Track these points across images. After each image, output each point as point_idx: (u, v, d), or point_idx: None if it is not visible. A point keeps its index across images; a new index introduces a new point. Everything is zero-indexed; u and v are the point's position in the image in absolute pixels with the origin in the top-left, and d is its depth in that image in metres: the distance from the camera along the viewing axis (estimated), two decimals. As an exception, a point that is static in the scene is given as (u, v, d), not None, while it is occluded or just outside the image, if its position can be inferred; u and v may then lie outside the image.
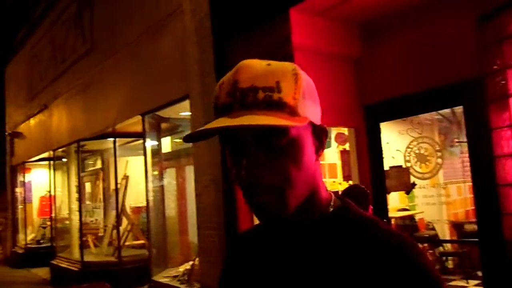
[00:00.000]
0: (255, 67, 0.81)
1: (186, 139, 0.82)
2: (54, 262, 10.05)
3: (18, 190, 13.92)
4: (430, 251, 5.87)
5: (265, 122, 0.75)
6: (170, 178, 7.74)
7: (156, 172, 7.47)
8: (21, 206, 13.70)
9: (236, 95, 0.79)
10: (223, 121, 0.77)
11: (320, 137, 0.87)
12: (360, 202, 3.24)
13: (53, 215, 11.62)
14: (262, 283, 0.89)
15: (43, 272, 10.53)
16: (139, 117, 7.22)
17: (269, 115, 0.76)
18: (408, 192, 5.21)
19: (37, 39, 11.82)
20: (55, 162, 11.35)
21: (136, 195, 9.36)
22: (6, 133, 14.22)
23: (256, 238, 0.99)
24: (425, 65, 4.19)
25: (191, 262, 6.65)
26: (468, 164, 3.90)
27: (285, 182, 0.79)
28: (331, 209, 0.87)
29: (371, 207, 3.81)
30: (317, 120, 0.86)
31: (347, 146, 5.17)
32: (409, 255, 0.77)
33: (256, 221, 0.92)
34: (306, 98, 0.82)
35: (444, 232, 5.82)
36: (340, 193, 4.02)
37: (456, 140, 5.53)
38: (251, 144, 0.79)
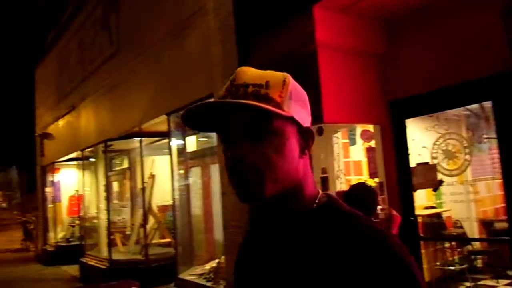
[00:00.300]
0: (251, 70, 0.95)
1: (184, 119, 0.95)
2: (83, 260, 10.25)
3: (48, 189, 14.22)
4: (458, 250, 5.77)
5: (251, 102, 0.87)
6: (195, 177, 7.80)
7: (181, 171, 7.54)
8: (51, 205, 13.99)
9: (232, 89, 0.92)
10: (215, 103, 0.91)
11: (306, 138, 0.95)
12: (366, 199, 3.21)
13: (81, 214, 11.87)
14: (258, 275, 0.99)
15: (72, 270, 10.75)
16: (165, 117, 7.31)
17: (256, 102, 0.88)
18: (435, 190, 5.14)
19: (66, 42, 12.08)
20: (83, 162, 11.56)
21: (162, 193, 9.47)
22: (36, 134, 14.56)
23: (257, 236, 1.08)
24: (452, 59, 4.13)
25: (217, 260, 6.69)
26: (497, 160, 3.82)
27: (264, 165, 0.89)
28: (315, 205, 0.95)
29: (379, 206, 3.77)
30: (304, 123, 0.95)
31: (372, 143, 5.13)
32: (385, 247, 0.83)
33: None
34: (292, 100, 0.93)
35: (473, 230, 5.71)
36: (343, 191, 4.05)
37: (485, 136, 5.41)
38: (239, 131, 0.90)
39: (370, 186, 3.58)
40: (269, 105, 0.87)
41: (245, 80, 0.92)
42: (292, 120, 0.92)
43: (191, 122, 0.96)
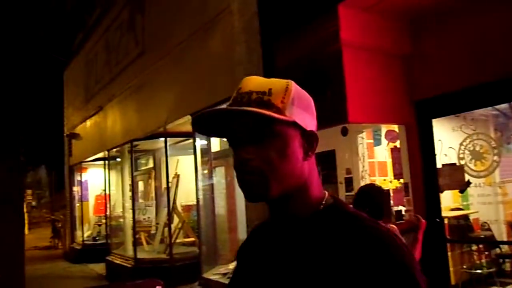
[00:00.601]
0: (256, 79, 1.01)
1: (194, 124, 1.00)
2: (109, 258, 10.40)
3: (76, 189, 14.48)
4: (486, 253, 5.65)
5: (252, 109, 0.92)
6: (219, 177, 7.84)
7: (205, 171, 7.60)
8: (78, 204, 14.25)
9: (237, 98, 0.98)
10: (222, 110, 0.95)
11: (310, 141, 0.99)
12: (377, 200, 3.17)
13: (107, 213, 12.04)
14: (262, 274, 1.01)
15: (99, 268, 10.92)
16: (189, 117, 7.37)
17: (258, 109, 0.92)
18: (462, 191, 5.05)
19: (93, 44, 12.31)
20: (109, 161, 11.75)
21: (187, 193, 9.55)
22: (65, 134, 14.86)
23: (262, 233, 1.12)
24: (479, 57, 4.05)
25: (240, 260, 6.70)
26: (526, 161, 3.73)
27: (268, 167, 0.94)
28: (322, 206, 0.99)
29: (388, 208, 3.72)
30: (308, 126, 0.99)
31: (397, 144, 5.07)
32: (388, 248, 0.87)
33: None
34: (295, 105, 0.97)
35: (501, 233, 5.58)
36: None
37: (514, 136, 5.30)
38: (243, 136, 0.96)
39: (380, 186, 3.52)
40: (270, 111, 0.92)
41: (250, 88, 0.97)
42: (294, 124, 0.96)
43: (200, 128, 1.01)
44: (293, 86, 1.00)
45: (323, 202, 1.00)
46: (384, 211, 3.22)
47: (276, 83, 0.99)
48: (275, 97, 0.95)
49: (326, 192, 1.04)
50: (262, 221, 1.17)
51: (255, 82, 0.99)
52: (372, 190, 3.31)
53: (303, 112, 0.99)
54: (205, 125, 1.00)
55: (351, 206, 1.02)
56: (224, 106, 0.99)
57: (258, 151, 0.94)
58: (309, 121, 1.00)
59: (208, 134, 1.05)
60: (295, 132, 0.97)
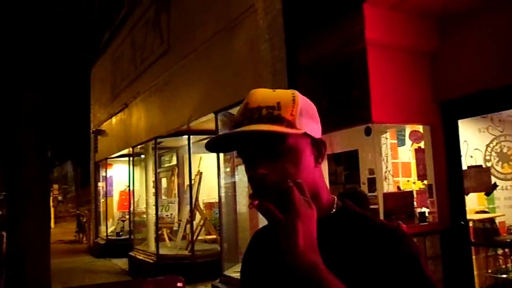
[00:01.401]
0: (261, 92, 1.02)
1: (207, 148, 1.02)
2: (131, 253, 10.55)
3: (101, 184, 14.73)
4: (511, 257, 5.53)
5: (265, 129, 0.94)
6: (241, 175, 7.86)
7: (228, 169, 7.64)
8: (103, 200, 14.49)
9: (246, 113, 0.99)
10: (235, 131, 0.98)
11: (319, 148, 1.02)
12: (359, 205, 3.10)
13: (131, 209, 12.20)
14: (271, 276, 1.04)
15: (122, 263, 11.09)
16: (212, 115, 7.42)
17: (270, 126, 0.95)
18: (488, 194, 4.95)
19: (119, 42, 12.49)
20: (134, 158, 11.91)
21: (209, 191, 9.62)
22: (91, 131, 15.13)
23: (269, 237, 1.10)
24: (507, 57, 3.96)
25: (261, 258, 6.71)
26: (556, 163, 3.63)
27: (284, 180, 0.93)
28: (333, 210, 1.03)
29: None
30: (316, 134, 1.02)
31: (422, 144, 5.00)
32: (398, 239, 0.92)
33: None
34: (303, 116, 0.99)
35: (529, 237, 5.45)
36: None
37: (543, 138, 5.16)
38: (257, 154, 0.98)
39: (362, 191, 3.44)
40: (282, 126, 0.95)
41: (258, 103, 0.98)
42: (304, 134, 0.99)
43: (213, 150, 1.04)
44: (299, 96, 1.02)
45: (334, 206, 1.04)
46: None
47: (283, 96, 1.00)
48: (285, 111, 0.97)
49: (335, 197, 1.08)
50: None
51: (262, 96, 1.00)
52: (355, 195, 3.23)
53: (310, 121, 1.01)
54: (218, 147, 1.03)
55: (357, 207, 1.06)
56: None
57: (273, 166, 0.96)
58: (316, 129, 1.03)
59: (223, 152, 1.09)
60: (306, 142, 1.00)
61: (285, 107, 0.97)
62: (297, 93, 1.03)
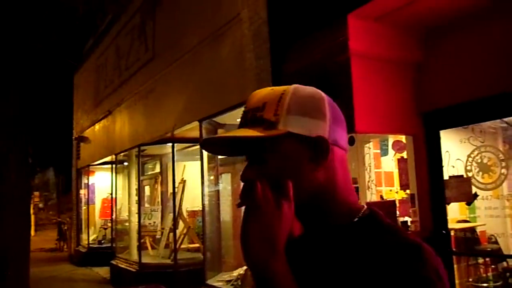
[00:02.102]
0: (258, 93, 0.99)
1: (202, 146, 0.99)
2: (113, 262, 10.42)
3: (82, 191, 14.56)
4: (492, 266, 5.60)
5: (238, 134, 0.92)
6: (225, 183, 7.85)
7: (212, 177, 7.62)
8: (85, 207, 14.31)
9: (243, 115, 0.97)
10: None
11: (316, 147, 0.92)
12: None
13: (113, 216, 12.08)
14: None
15: (103, 271, 10.95)
16: (197, 123, 7.40)
17: (247, 130, 0.92)
18: (469, 203, 5.02)
19: (103, 48, 12.42)
20: (117, 165, 11.81)
21: (192, 199, 9.57)
22: (73, 137, 14.97)
23: (299, 242, 1.05)
24: (489, 69, 4.04)
25: (245, 267, 6.69)
26: (535, 174, 3.70)
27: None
28: (356, 218, 0.94)
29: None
30: (311, 131, 0.92)
31: (404, 154, 5.06)
32: (416, 260, 0.82)
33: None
34: (292, 113, 0.92)
35: (509, 246, 5.53)
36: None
37: (522, 149, 5.26)
38: (246, 157, 0.97)
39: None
40: (259, 128, 0.90)
41: (250, 105, 0.97)
42: (291, 135, 0.90)
43: (210, 151, 1.05)
44: (291, 92, 0.94)
45: (360, 214, 0.95)
46: None
47: (272, 95, 0.95)
48: (268, 111, 0.92)
49: (364, 205, 0.98)
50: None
51: (256, 98, 0.97)
52: None
53: (303, 118, 0.92)
54: (212, 148, 1.03)
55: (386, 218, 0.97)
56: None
57: (260, 169, 0.91)
58: (313, 125, 0.92)
59: (218, 154, 1.09)
60: (295, 142, 0.91)
61: (269, 107, 0.92)
62: (289, 89, 0.95)
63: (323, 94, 0.97)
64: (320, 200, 0.93)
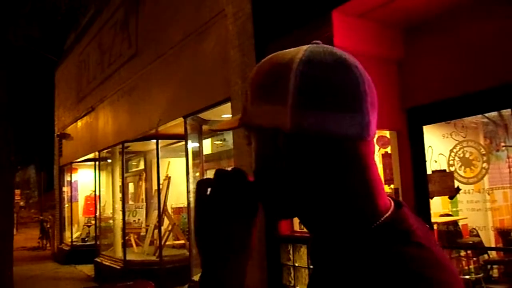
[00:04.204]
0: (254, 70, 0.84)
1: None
2: (98, 259, 10.36)
3: (65, 189, 14.40)
4: (474, 259, 5.70)
5: (221, 127, 0.91)
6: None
7: (197, 173, 7.60)
8: (68, 205, 14.18)
9: None
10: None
11: (271, 140, 0.73)
12: None
13: (97, 214, 11.99)
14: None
15: (87, 269, 10.87)
16: (181, 119, 7.37)
17: (234, 117, 0.84)
18: (451, 197, 5.09)
19: (85, 44, 12.27)
20: (100, 162, 11.71)
21: (177, 195, 9.55)
22: (55, 134, 14.78)
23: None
24: (470, 66, 4.10)
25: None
26: (515, 168, 3.78)
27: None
28: (375, 225, 0.72)
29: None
30: (267, 122, 0.73)
31: (388, 149, 5.11)
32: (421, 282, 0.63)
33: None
34: (254, 99, 0.76)
35: (490, 239, 5.64)
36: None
37: (503, 144, 5.36)
38: None
39: None
40: (237, 117, 0.81)
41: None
42: (254, 126, 0.76)
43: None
44: (255, 70, 0.78)
45: (381, 220, 0.72)
46: None
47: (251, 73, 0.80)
48: (244, 95, 0.79)
49: (392, 205, 0.76)
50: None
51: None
52: None
53: (263, 105, 0.73)
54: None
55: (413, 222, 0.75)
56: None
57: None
58: (271, 113, 0.72)
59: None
60: (262, 133, 0.75)
61: (246, 88, 0.79)
62: (269, 57, 0.78)
63: (297, 61, 0.72)
64: (306, 205, 0.75)
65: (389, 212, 0.74)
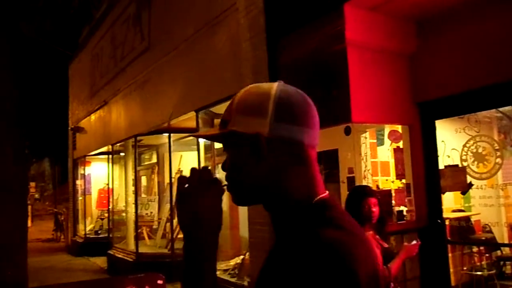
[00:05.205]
0: (237, 96, 1.05)
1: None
2: (110, 252, 10.46)
3: (79, 182, 14.54)
4: (487, 255, 5.65)
5: (201, 133, 1.31)
6: (222, 173, 7.85)
7: (209, 167, 7.62)
8: (81, 198, 14.32)
9: None
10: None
11: (252, 143, 0.97)
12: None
13: (110, 207, 12.10)
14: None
15: (100, 261, 10.99)
16: (193, 113, 7.39)
17: (212, 129, 1.10)
18: (464, 193, 5.05)
19: (99, 38, 12.34)
20: (113, 156, 11.79)
21: (189, 189, 9.57)
22: (69, 128, 14.92)
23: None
24: (484, 60, 4.05)
25: (241, 257, 6.74)
26: (529, 164, 3.73)
27: (228, 175, 1.05)
28: (313, 201, 0.97)
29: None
30: (249, 129, 0.98)
31: (400, 144, 5.07)
32: (316, 260, 0.82)
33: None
34: (238, 113, 1.00)
35: (503, 235, 5.57)
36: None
37: (517, 139, 5.29)
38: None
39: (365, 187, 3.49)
40: (215, 129, 1.05)
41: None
42: (235, 133, 0.99)
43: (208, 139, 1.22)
44: (241, 93, 1.03)
45: (317, 198, 0.98)
46: (362, 216, 3.11)
47: (234, 97, 1.03)
48: (227, 113, 1.02)
49: (323, 194, 1.00)
50: (264, 219, 1.26)
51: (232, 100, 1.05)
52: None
53: (246, 117, 0.99)
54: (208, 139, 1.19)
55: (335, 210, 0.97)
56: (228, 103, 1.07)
57: (226, 161, 1.05)
58: (253, 123, 0.97)
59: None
60: (238, 139, 0.99)
61: (228, 109, 1.03)
62: (245, 89, 1.03)
63: (273, 92, 0.99)
64: (267, 193, 1.00)
65: (324, 195, 0.99)
